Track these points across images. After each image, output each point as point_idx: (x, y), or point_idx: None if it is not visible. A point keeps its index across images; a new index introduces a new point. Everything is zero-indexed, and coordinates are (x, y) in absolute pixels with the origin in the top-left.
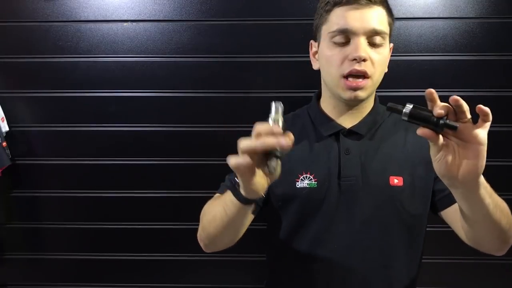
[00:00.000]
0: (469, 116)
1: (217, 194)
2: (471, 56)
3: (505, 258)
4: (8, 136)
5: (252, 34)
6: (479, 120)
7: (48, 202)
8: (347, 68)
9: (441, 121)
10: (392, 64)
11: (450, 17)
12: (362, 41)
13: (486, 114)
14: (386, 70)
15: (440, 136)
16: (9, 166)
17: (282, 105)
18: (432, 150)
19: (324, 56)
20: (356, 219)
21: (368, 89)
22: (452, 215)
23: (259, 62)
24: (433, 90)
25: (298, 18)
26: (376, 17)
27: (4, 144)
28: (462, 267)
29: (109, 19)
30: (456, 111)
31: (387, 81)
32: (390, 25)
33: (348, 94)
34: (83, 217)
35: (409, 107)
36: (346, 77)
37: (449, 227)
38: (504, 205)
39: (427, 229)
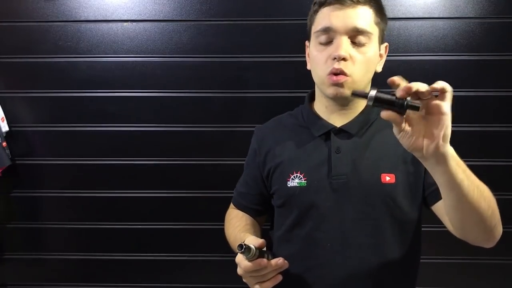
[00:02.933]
0: (428, 92)
1: (232, 207)
2: (471, 56)
3: (505, 258)
4: (8, 136)
5: (252, 34)
6: (439, 95)
7: (48, 202)
8: (329, 67)
9: (404, 103)
10: (392, 64)
11: (450, 17)
12: (344, 40)
13: (442, 91)
14: (379, 70)
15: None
16: (9, 166)
17: (243, 244)
18: (395, 129)
19: (312, 56)
20: (348, 217)
21: (349, 86)
22: (441, 209)
23: (259, 62)
24: (394, 78)
25: (297, 18)
26: (359, 16)
27: (4, 144)
28: (462, 267)
29: (109, 19)
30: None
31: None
32: (379, 25)
33: (331, 90)
34: (83, 217)
35: (373, 92)
36: (330, 74)
37: None
38: (483, 187)
39: (427, 229)
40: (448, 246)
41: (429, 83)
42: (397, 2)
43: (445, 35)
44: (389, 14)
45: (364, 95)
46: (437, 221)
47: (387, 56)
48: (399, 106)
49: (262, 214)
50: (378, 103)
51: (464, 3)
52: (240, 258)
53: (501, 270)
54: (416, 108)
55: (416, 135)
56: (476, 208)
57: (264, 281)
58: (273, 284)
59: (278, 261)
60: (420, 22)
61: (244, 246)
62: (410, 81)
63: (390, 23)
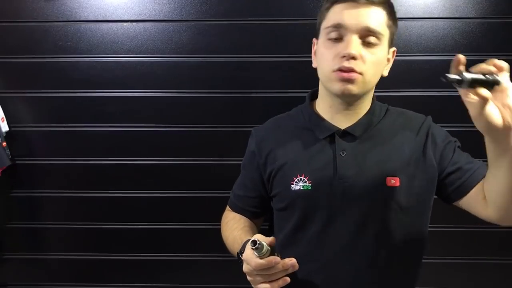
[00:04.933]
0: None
1: (228, 210)
2: (471, 56)
3: (505, 258)
4: (8, 136)
5: (252, 34)
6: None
7: (48, 202)
8: (337, 64)
9: (497, 79)
10: (392, 64)
11: (450, 17)
12: (354, 38)
13: (501, 68)
14: (385, 74)
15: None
16: (9, 166)
17: (257, 240)
18: (474, 112)
19: (320, 53)
20: (353, 219)
21: (359, 85)
22: (471, 199)
23: (259, 62)
24: (460, 57)
25: (297, 18)
26: (372, 17)
27: (4, 144)
28: (462, 267)
29: (109, 19)
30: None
31: (387, 81)
32: (390, 28)
33: (339, 86)
34: (83, 217)
35: (468, 75)
36: (338, 70)
37: (449, 227)
38: None
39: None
40: (448, 246)
41: (429, 83)
42: (397, 2)
43: (445, 35)
44: None
45: (458, 80)
46: (437, 221)
47: None
48: (493, 83)
49: (260, 216)
50: (473, 84)
51: (464, 3)
52: (249, 255)
53: (501, 270)
54: (499, 83)
55: (493, 113)
56: None
57: (271, 281)
58: (281, 285)
59: (290, 261)
60: (420, 22)
61: (257, 242)
62: (409, 81)
63: None
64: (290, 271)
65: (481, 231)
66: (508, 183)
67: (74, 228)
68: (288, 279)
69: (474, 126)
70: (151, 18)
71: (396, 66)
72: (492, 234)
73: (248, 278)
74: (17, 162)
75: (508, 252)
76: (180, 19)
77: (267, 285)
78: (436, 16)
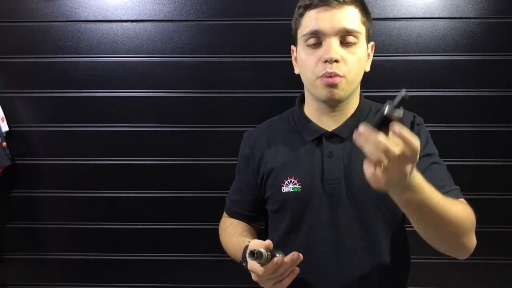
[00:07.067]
0: None
1: (225, 216)
2: (471, 56)
3: (505, 258)
4: (8, 136)
5: (252, 34)
6: None
7: (47, 202)
8: (321, 71)
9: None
10: (392, 64)
11: (450, 17)
12: (333, 42)
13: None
14: (367, 69)
15: None
16: (9, 166)
17: (254, 250)
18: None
19: (300, 60)
20: (341, 221)
21: (343, 88)
22: None
23: (259, 62)
24: None
25: None
26: (347, 17)
27: (4, 144)
28: (462, 267)
29: (109, 19)
30: None
31: (388, 81)
32: (365, 24)
33: (325, 92)
34: (83, 217)
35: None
36: (323, 76)
37: None
38: (455, 209)
39: None
40: None
41: (429, 83)
42: (397, 2)
43: (445, 35)
44: (389, 14)
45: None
46: None
47: (387, 56)
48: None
49: (257, 220)
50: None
51: (464, 3)
52: (253, 265)
53: (501, 270)
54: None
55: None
56: (439, 230)
57: (282, 279)
58: (293, 278)
59: (293, 256)
60: (420, 22)
61: (255, 252)
62: (409, 82)
63: (390, 23)
64: (297, 263)
65: (481, 231)
66: (419, 229)
67: (74, 228)
68: (297, 270)
69: (472, 126)
70: (151, 18)
71: (396, 66)
72: (492, 234)
73: (260, 284)
74: (17, 162)
75: (508, 252)
76: (180, 19)
77: (281, 283)
78: (436, 16)
